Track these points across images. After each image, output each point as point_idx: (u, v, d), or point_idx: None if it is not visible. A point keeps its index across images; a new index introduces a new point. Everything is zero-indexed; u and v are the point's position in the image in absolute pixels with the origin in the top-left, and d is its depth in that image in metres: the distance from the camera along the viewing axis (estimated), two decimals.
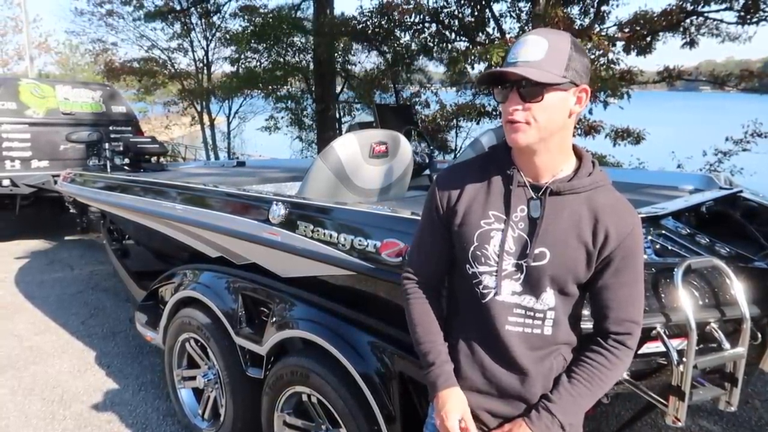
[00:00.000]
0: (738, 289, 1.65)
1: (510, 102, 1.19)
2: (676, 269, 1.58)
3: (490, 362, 1.31)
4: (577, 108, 1.23)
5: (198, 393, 2.94)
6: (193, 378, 2.88)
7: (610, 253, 1.23)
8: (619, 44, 7.43)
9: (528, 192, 1.27)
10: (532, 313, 1.27)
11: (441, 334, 1.38)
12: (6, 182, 6.86)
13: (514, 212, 1.26)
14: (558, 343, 1.30)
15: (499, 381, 1.31)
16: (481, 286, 1.29)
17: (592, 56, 6.82)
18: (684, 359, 1.52)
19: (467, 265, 1.30)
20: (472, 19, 8.62)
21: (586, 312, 1.38)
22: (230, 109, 13.91)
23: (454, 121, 9.38)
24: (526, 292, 1.26)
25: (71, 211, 5.84)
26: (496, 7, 8.50)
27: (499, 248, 1.26)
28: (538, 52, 1.16)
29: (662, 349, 1.57)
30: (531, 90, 1.16)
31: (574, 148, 1.30)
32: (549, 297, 1.26)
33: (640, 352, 1.64)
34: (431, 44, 9.22)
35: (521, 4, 8.54)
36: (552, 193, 1.24)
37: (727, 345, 1.63)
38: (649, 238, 1.78)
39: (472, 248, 1.29)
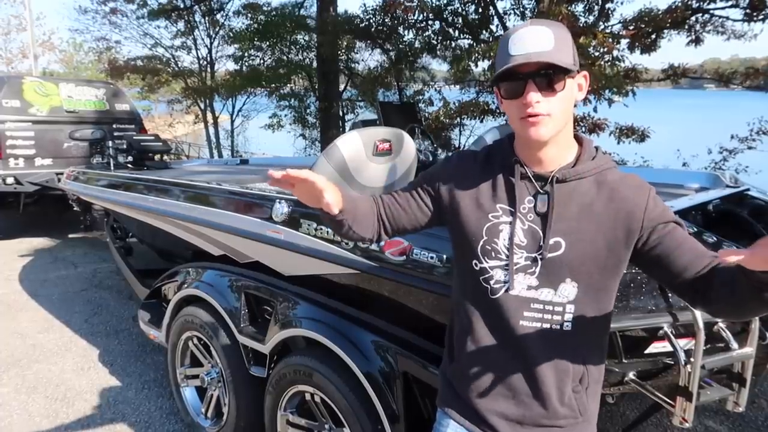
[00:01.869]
0: None
1: (528, 95, 1.14)
2: None
3: (500, 360, 1.27)
4: (580, 96, 1.22)
5: (201, 391, 2.93)
6: (196, 376, 2.88)
7: (641, 227, 1.18)
8: (624, 42, 7.39)
9: (534, 184, 1.23)
10: (550, 307, 1.22)
11: (354, 200, 1.32)
12: (10, 180, 6.87)
13: (522, 204, 1.23)
14: (579, 343, 1.24)
15: (510, 379, 1.27)
16: (492, 281, 1.25)
17: (597, 54, 6.80)
18: (691, 359, 1.50)
19: (475, 261, 1.27)
20: (476, 17, 8.61)
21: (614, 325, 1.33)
22: (233, 107, 13.94)
23: (458, 119, 9.34)
24: (544, 285, 1.22)
25: (75, 209, 5.84)
26: (500, 5, 8.53)
27: (509, 242, 1.23)
28: (547, 42, 1.13)
29: (669, 349, 1.56)
30: (555, 78, 1.13)
31: (575, 136, 1.28)
32: (568, 289, 1.21)
33: (646, 352, 1.63)
34: (435, 42, 9.21)
35: (525, 2, 8.53)
36: (558, 181, 1.21)
37: (735, 345, 1.61)
38: None
39: (481, 242, 1.25)
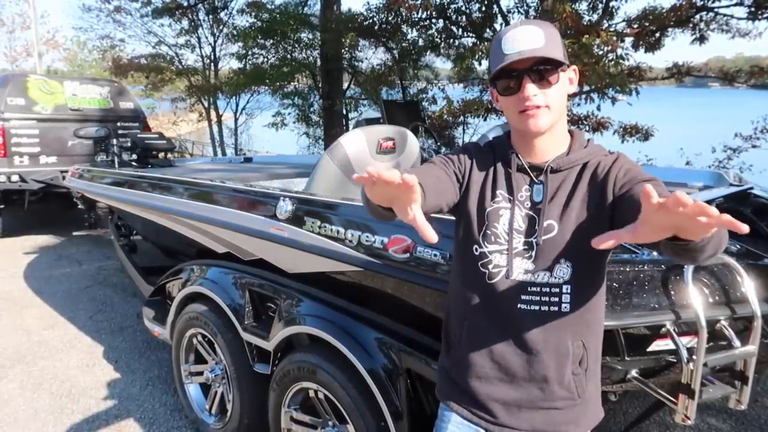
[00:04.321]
0: (749, 286, 1.64)
1: (525, 89, 1.19)
2: (686, 266, 1.57)
3: (498, 345, 1.29)
4: (571, 89, 1.28)
5: (205, 388, 2.94)
6: (201, 373, 2.89)
7: (614, 195, 1.20)
8: (628, 40, 7.38)
9: (530, 175, 1.29)
10: (547, 289, 1.25)
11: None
12: (15, 178, 6.90)
13: (519, 193, 1.29)
14: (578, 324, 1.27)
15: (508, 363, 1.29)
16: (490, 266, 1.28)
17: (601, 52, 6.79)
18: (694, 357, 1.50)
19: (476, 246, 1.30)
20: (480, 15, 8.60)
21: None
22: (237, 106, 13.95)
23: (461, 117, 9.35)
24: (539, 267, 1.25)
25: (79, 206, 5.87)
26: (504, 3, 8.52)
27: (509, 226, 1.27)
28: (538, 39, 1.19)
29: (672, 346, 1.56)
30: (548, 73, 1.19)
31: (568, 130, 1.33)
32: (563, 269, 1.24)
33: (649, 349, 1.64)
34: (438, 40, 9.20)
35: (529, 0, 8.51)
36: (552, 171, 1.27)
37: (737, 343, 1.62)
38: None
39: (483, 227, 1.29)
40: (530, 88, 1.19)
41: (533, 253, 1.25)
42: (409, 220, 0.98)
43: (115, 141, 5.02)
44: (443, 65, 10.98)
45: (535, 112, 1.21)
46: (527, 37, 1.19)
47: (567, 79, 1.25)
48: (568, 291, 1.25)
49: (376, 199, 1.01)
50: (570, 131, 1.32)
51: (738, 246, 1.89)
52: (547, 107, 1.21)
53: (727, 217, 0.76)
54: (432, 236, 0.99)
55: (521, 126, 1.24)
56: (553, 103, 1.21)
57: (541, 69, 1.19)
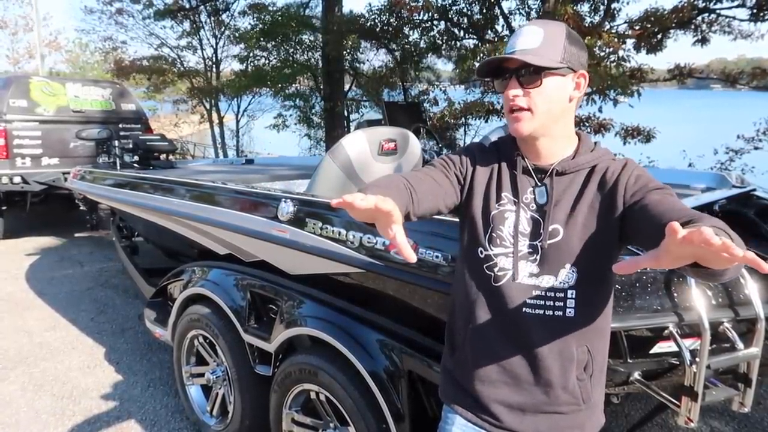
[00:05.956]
0: (752, 288, 1.63)
1: (510, 90, 1.22)
2: None
3: (502, 348, 1.28)
4: (577, 93, 1.25)
5: (207, 390, 2.94)
6: (202, 375, 2.88)
7: (624, 203, 1.19)
8: (630, 42, 7.38)
9: (534, 177, 1.28)
10: (552, 294, 1.24)
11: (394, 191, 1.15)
12: (17, 179, 6.90)
13: (524, 194, 1.28)
14: (583, 330, 1.25)
15: (512, 366, 1.28)
16: (496, 269, 1.28)
17: (602, 54, 6.79)
18: (697, 359, 1.50)
19: (481, 248, 1.29)
20: (481, 17, 8.60)
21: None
22: (239, 107, 13.97)
23: (463, 119, 9.35)
24: (544, 272, 1.24)
25: (81, 208, 5.88)
26: (505, 5, 8.55)
27: (514, 229, 1.27)
28: (534, 40, 1.20)
29: (675, 348, 1.56)
30: (530, 76, 1.20)
31: (576, 133, 1.32)
32: (568, 274, 1.23)
33: (652, 351, 1.63)
34: (440, 42, 9.20)
35: (531, 2, 8.51)
36: (558, 174, 1.26)
37: (740, 345, 1.61)
38: None
39: (488, 230, 1.29)
40: (512, 90, 1.21)
41: (538, 257, 1.25)
42: (389, 240, 1.01)
43: (116, 142, 5.03)
44: (445, 67, 11.01)
45: (518, 115, 1.22)
46: (525, 38, 1.20)
47: (565, 83, 1.22)
48: (573, 296, 1.24)
49: (359, 218, 1.04)
50: (577, 134, 1.31)
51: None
52: (529, 111, 1.21)
53: (751, 255, 0.76)
54: (411, 256, 1.01)
55: (509, 127, 1.26)
56: (537, 107, 1.20)
57: (527, 72, 1.19)
